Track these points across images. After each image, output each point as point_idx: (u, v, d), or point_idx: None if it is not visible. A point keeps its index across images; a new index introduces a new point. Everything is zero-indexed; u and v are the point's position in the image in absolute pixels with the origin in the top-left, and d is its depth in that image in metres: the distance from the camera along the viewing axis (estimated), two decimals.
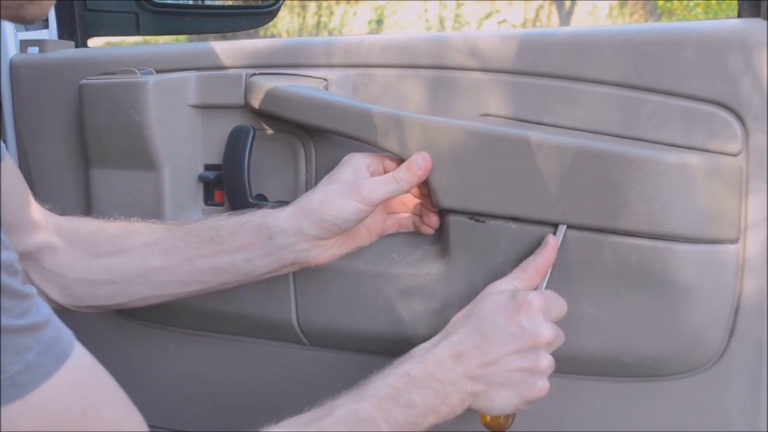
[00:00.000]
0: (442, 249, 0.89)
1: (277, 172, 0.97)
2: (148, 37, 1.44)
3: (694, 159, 0.77)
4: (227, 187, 0.96)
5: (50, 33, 1.18)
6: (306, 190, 0.95)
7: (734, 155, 0.78)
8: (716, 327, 0.79)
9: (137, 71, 0.97)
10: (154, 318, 1.06)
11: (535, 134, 0.80)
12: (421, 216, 0.89)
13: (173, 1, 1.41)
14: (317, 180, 0.93)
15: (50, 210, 0.88)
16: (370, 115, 0.86)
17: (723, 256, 0.78)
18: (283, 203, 0.89)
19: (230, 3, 1.61)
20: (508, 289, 0.77)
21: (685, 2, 6.66)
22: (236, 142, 0.94)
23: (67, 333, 0.55)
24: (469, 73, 0.88)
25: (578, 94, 0.83)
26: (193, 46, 1.05)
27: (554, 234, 0.80)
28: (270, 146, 0.97)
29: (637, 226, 0.77)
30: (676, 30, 0.81)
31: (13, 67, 1.10)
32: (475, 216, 0.84)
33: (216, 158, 0.99)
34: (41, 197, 1.11)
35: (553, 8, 8.02)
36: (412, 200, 0.90)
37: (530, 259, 0.79)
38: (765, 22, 0.78)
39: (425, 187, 0.86)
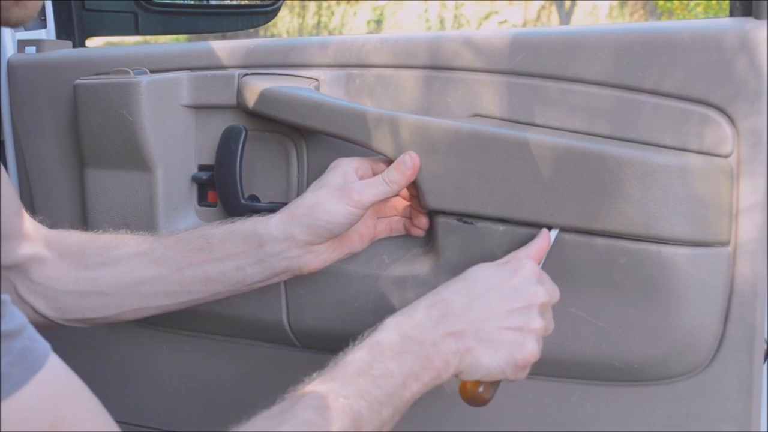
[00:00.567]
0: (431, 250, 0.89)
1: (270, 173, 0.97)
2: (148, 37, 1.44)
3: (684, 160, 0.77)
4: (219, 187, 0.96)
5: (48, 33, 1.19)
6: (298, 191, 0.95)
7: (725, 156, 0.77)
8: (707, 330, 0.79)
9: (131, 71, 0.97)
10: (147, 320, 1.05)
11: (523, 135, 0.80)
12: (411, 218, 0.89)
13: (172, 1, 1.41)
14: (309, 180, 0.93)
15: (41, 222, 0.87)
16: (359, 116, 0.86)
17: (714, 259, 0.78)
18: (276, 204, 0.89)
19: (230, 3, 1.61)
20: (498, 260, 0.74)
21: (685, 2, 6.65)
22: (228, 143, 0.94)
23: (41, 343, 0.53)
24: (461, 73, 0.88)
25: (568, 94, 0.82)
26: (187, 46, 1.06)
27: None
28: (262, 146, 0.97)
29: (627, 228, 0.77)
30: (667, 29, 0.80)
31: (11, 67, 1.11)
32: (464, 217, 0.84)
33: (209, 158, 0.99)
34: (38, 196, 1.12)
35: (553, 8, 8.02)
36: (402, 203, 0.90)
37: (523, 248, 0.78)
38: (757, 21, 0.77)
39: (414, 189, 0.86)
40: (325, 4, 8.58)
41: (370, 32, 8.16)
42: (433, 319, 0.69)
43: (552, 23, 7.96)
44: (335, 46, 0.95)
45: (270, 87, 0.92)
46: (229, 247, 0.82)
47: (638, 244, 0.77)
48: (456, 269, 0.86)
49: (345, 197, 0.80)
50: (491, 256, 0.83)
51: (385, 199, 0.85)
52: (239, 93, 0.95)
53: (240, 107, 0.96)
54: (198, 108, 0.99)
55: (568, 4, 7.99)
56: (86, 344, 1.10)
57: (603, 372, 0.82)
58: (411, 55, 0.90)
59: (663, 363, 0.81)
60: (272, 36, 7.84)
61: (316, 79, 0.94)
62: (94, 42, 1.27)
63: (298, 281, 0.93)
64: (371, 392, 0.64)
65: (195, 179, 1.01)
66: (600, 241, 0.79)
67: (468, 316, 0.69)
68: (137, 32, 1.29)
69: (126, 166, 0.99)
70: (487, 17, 7.95)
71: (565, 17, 7.93)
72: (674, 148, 0.78)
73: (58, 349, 0.54)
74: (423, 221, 0.88)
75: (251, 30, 2.08)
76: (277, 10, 1.43)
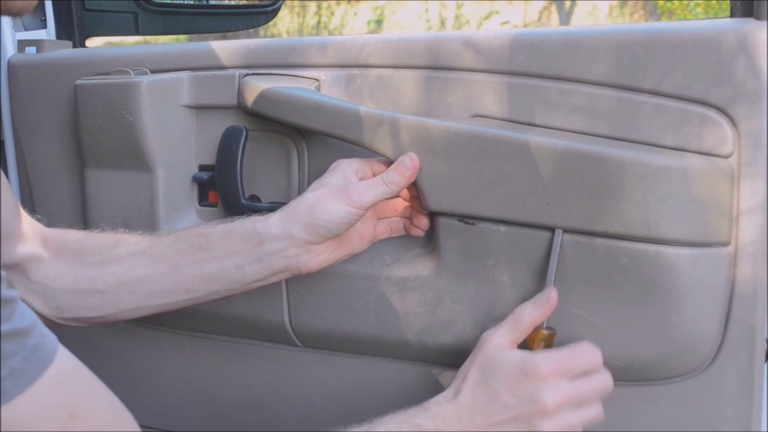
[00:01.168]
0: (432, 251, 0.89)
1: (270, 173, 0.97)
2: (148, 37, 1.44)
3: (685, 161, 0.77)
4: (220, 187, 0.96)
5: (48, 33, 1.19)
6: (299, 191, 0.95)
7: (726, 157, 0.77)
8: (708, 330, 0.79)
9: (132, 71, 0.97)
10: (147, 319, 1.06)
11: (524, 136, 0.80)
12: (411, 218, 0.89)
13: (172, 1, 1.41)
14: (310, 180, 0.93)
15: (39, 220, 0.87)
16: (359, 116, 0.86)
17: (715, 259, 0.78)
18: (277, 204, 0.89)
19: (230, 3, 1.61)
20: (517, 357, 0.75)
21: (685, 2, 6.66)
22: (229, 143, 0.94)
23: (50, 337, 0.55)
24: (461, 74, 0.88)
25: (569, 94, 0.82)
26: (188, 46, 1.06)
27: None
28: (263, 147, 0.97)
29: (628, 229, 0.77)
30: (668, 30, 0.80)
31: (11, 67, 1.11)
32: (465, 218, 0.84)
33: (210, 159, 0.99)
34: (39, 196, 1.12)
35: (553, 8, 8.02)
36: (401, 204, 0.90)
37: (528, 309, 0.78)
38: (757, 21, 0.77)
39: (414, 189, 0.86)
40: (325, 4, 8.58)
41: (370, 32, 8.16)
42: (458, 422, 0.74)
43: (552, 23, 7.96)
44: (336, 46, 0.95)
45: (271, 87, 0.92)
46: (228, 245, 0.82)
47: (639, 244, 0.77)
48: (457, 270, 0.86)
49: (345, 198, 0.80)
50: (493, 257, 0.84)
51: (385, 200, 0.85)
52: (240, 93, 0.95)
53: (241, 107, 0.96)
54: (199, 108, 0.99)
55: (568, 4, 8.00)
56: (87, 344, 1.09)
57: None
58: (411, 55, 0.90)
59: (664, 363, 0.81)
60: (272, 36, 7.84)
61: (317, 80, 0.94)
62: (93, 42, 1.27)
63: (300, 281, 0.94)
64: None
65: (195, 179, 1.01)
66: (601, 241, 0.79)
67: (484, 421, 0.74)
68: (137, 32, 1.29)
69: (126, 167, 0.99)
70: (488, 17, 7.95)
71: (565, 17, 7.93)
72: (675, 149, 0.78)
73: None
74: (423, 221, 0.88)
75: (251, 30, 2.08)
76: (277, 10, 1.43)
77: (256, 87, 0.93)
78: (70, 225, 0.96)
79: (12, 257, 0.81)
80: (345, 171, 0.84)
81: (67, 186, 1.09)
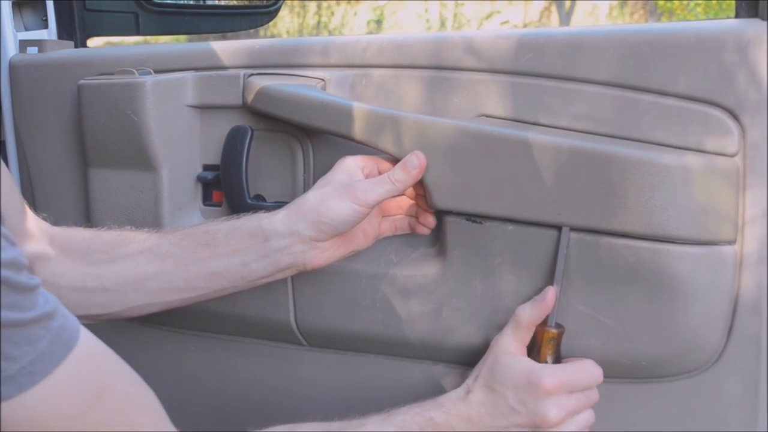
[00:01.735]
0: (439, 250, 0.89)
1: (276, 172, 0.97)
2: (148, 37, 1.44)
3: (690, 160, 0.77)
4: (225, 187, 0.96)
5: (50, 33, 1.19)
6: (304, 190, 0.95)
7: (731, 156, 0.77)
8: (714, 328, 0.79)
9: (135, 71, 0.97)
10: (152, 318, 1.05)
11: (531, 135, 0.80)
12: (417, 217, 0.89)
13: (173, 1, 1.41)
14: (315, 180, 0.93)
15: (45, 219, 0.87)
16: (365, 115, 0.86)
17: (720, 257, 0.78)
18: (282, 203, 0.89)
19: (230, 3, 1.61)
20: (524, 367, 0.78)
21: (685, 2, 6.66)
22: (234, 143, 0.94)
23: (72, 319, 0.56)
24: (466, 74, 0.88)
25: (575, 94, 0.82)
26: (192, 46, 1.05)
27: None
28: (268, 146, 0.97)
29: (634, 228, 0.77)
30: (673, 30, 0.80)
31: (13, 67, 1.11)
32: (472, 217, 0.84)
33: (214, 158, 0.99)
34: (41, 197, 1.12)
35: (553, 8, 8.02)
36: (407, 202, 0.90)
37: (527, 309, 0.80)
38: (763, 22, 0.77)
39: (421, 188, 0.86)
40: (325, 4, 8.58)
41: (370, 32, 8.16)
42: (467, 421, 0.77)
43: (552, 23, 7.97)
44: (341, 46, 0.95)
45: (276, 87, 0.92)
46: (234, 242, 0.83)
47: (645, 243, 0.77)
48: (464, 268, 0.86)
49: (350, 195, 0.80)
50: (500, 255, 0.84)
51: (391, 198, 0.85)
52: (245, 93, 0.95)
53: (245, 107, 0.96)
54: (203, 108, 0.99)
55: (568, 4, 8.00)
56: None
57: (610, 369, 0.82)
58: (417, 55, 0.90)
59: (670, 360, 0.81)
60: (272, 36, 7.84)
61: (323, 80, 0.94)
62: (94, 42, 1.27)
63: (306, 280, 0.94)
64: None
65: (200, 179, 1.01)
66: (608, 240, 0.79)
67: (491, 423, 0.77)
68: (138, 32, 1.29)
69: (131, 166, 0.98)
70: (488, 17, 7.95)
71: (565, 17, 7.93)
72: (680, 148, 0.78)
73: None
74: (429, 220, 0.88)
75: (251, 30, 2.08)
76: (278, 10, 1.43)
77: (261, 87, 0.93)
78: (73, 225, 0.96)
79: None
80: (351, 168, 0.84)
81: (70, 186, 1.09)
